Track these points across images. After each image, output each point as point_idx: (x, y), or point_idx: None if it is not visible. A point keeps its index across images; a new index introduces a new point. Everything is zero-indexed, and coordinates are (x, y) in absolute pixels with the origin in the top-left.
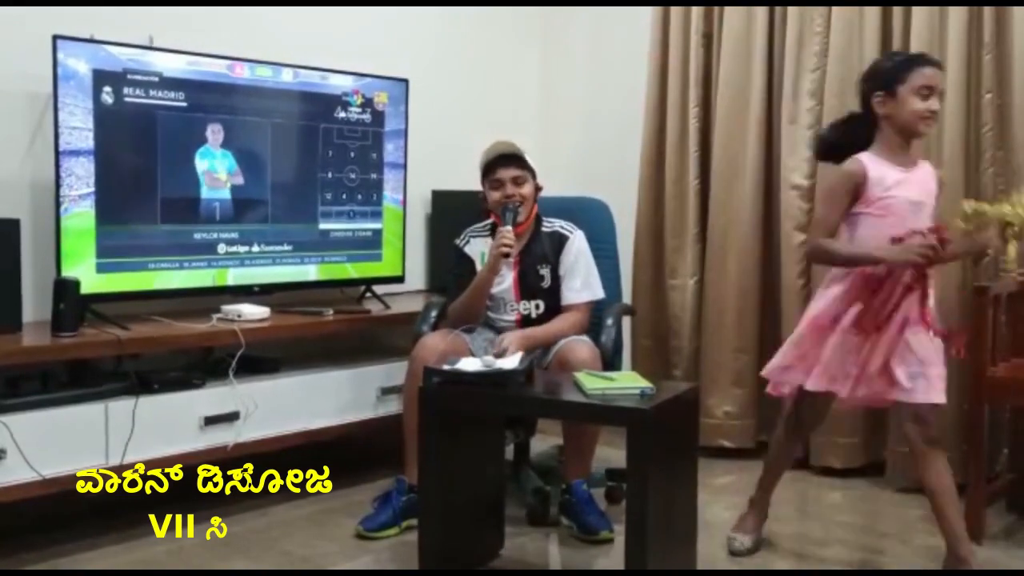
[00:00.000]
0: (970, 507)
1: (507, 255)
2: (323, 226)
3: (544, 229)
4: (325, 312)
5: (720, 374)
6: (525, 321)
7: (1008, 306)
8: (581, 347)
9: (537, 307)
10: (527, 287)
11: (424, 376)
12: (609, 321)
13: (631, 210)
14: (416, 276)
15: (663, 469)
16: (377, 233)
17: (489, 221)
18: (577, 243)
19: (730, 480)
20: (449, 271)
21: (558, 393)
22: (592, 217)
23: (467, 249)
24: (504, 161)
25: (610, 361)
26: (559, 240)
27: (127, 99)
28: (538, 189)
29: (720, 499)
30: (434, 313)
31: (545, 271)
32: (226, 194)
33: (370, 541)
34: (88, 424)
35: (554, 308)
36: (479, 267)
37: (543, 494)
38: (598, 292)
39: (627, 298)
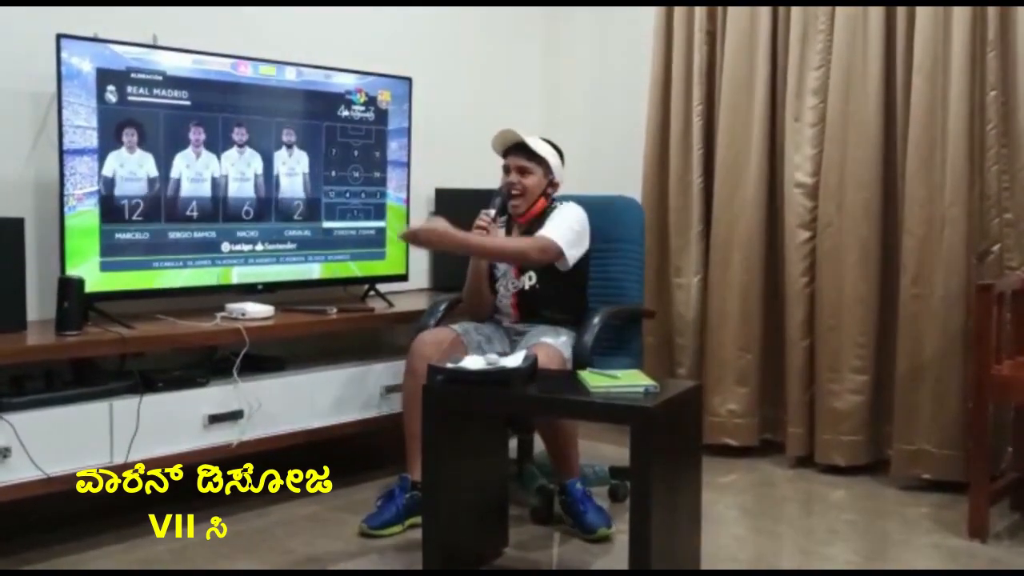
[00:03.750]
0: (974, 506)
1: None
2: (327, 224)
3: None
4: (329, 310)
5: (724, 372)
6: (521, 295)
7: (1012, 304)
8: (543, 350)
9: (530, 278)
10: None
11: (428, 374)
12: (595, 320)
13: None
14: (419, 274)
15: (667, 467)
16: (381, 231)
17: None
18: (562, 209)
19: (734, 478)
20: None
21: (561, 392)
22: (625, 216)
23: None
24: (513, 150)
25: (588, 362)
26: (552, 210)
27: (131, 98)
28: (553, 185)
29: (724, 497)
30: (442, 308)
31: None
32: (229, 192)
33: (374, 539)
34: (92, 423)
35: (547, 281)
36: None
37: (547, 492)
38: (560, 240)
39: None
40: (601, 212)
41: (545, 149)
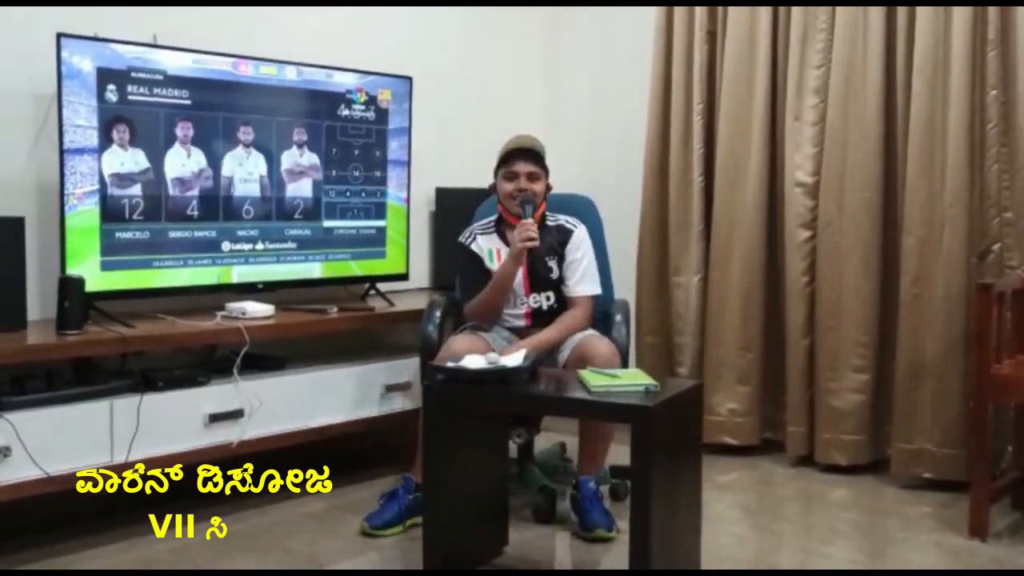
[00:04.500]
0: (974, 505)
1: (532, 248)
2: (327, 224)
3: (549, 223)
4: (329, 310)
5: (724, 371)
6: (536, 314)
7: (1012, 303)
8: (600, 343)
9: (548, 299)
10: (536, 280)
11: (428, 374)
12: (619, 318)
13: (635, 208)
14: (420, 274)
15: (667, 466)
16: (381, 231)
17: (493, 218)
18: (581, 236)
19: (734, 477)
20: (458, 270)
21: (562, 390)
22: (580, 215)
23: (473, 247)
24: (523, 155)
25: (627, 358)
26: (564, 233)
27: (131, 97)
28: (548, 188)
29: (724, 496)
30: (439, 312)
31: (553, 263)
32: (230, 191)
33: (375, 539)
34: (93, 422)
35: (563, 299)
36: (487, 263)
37: (549, 492)
38: (596, 287)
39: (631, 295)
40: (560, 212)
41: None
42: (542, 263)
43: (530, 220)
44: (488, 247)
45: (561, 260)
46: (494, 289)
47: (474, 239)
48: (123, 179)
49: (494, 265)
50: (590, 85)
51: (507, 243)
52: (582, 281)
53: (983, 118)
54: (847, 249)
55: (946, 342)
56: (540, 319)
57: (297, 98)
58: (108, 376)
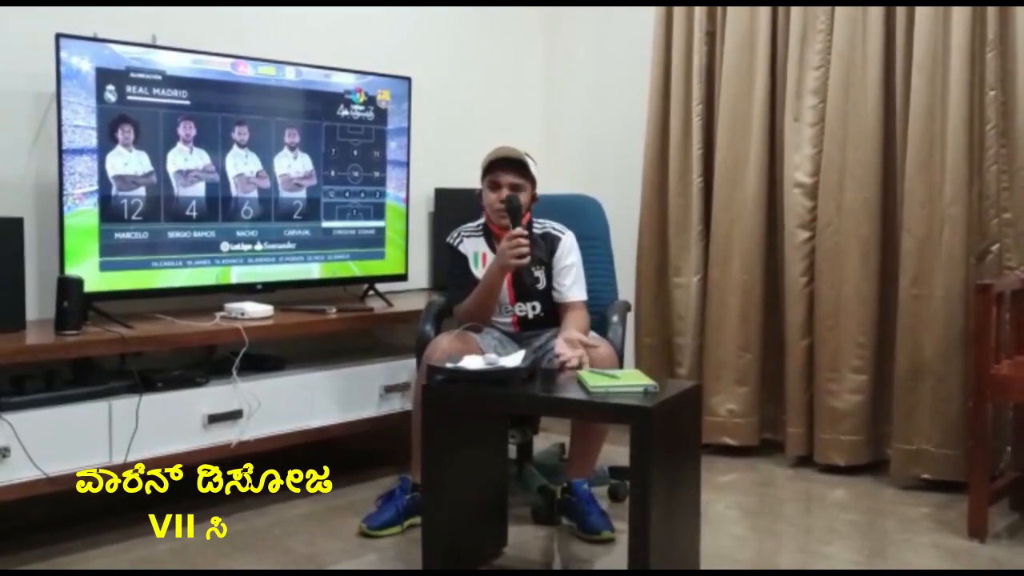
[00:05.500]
0: (973, 505)
1: (526, 265)
2: (326, 224)
3: (535, 230)
4: (328, 310)
5: (724, 372)
6: (522, 323)
7: (1011, 304)
8: (600, 345)
9: (533, 308)
10: (522, 289)
11: (427, 374)
12: (615, 319)
13: (635, 208)
14: (419, 274)
15: (666, 467)
16: (380, 231)
17: (481, 221)
18: (570, 242)
19: (733, 478)
20: (447, 270)
21: (561, 391)
22: (586, 216)
23: (461, 248)
24: (506, 165)
25: (622, 360)
26: (552, 241)
27: (130, 97)
28: (534, 199)
29: (723, 497)
30: (436, 313)
31: (539, 272)
32: (229, 192)
33: (373, 539)
34: (92, 422)
35: (550, 309)
36: (471, 266)
37: (549, 492)
38: (585, 293)
39: (631, 296)
40: (566, 212)
41: (532, 166)
42: (528, 273)
43: (519, 231)
44: (474, 250)
45: (549, 269)
46: (481, 294)
47: (461, 241)
48: (127, 180)
49: (478, 269)
50: (590, 85)
51: (493, 249)
52: (574, 287)
53: (982, 118)
54: (846, 249)
55: (945, 342)
56: (527, 326)
57: (296, 98)
58: (107, 376)
